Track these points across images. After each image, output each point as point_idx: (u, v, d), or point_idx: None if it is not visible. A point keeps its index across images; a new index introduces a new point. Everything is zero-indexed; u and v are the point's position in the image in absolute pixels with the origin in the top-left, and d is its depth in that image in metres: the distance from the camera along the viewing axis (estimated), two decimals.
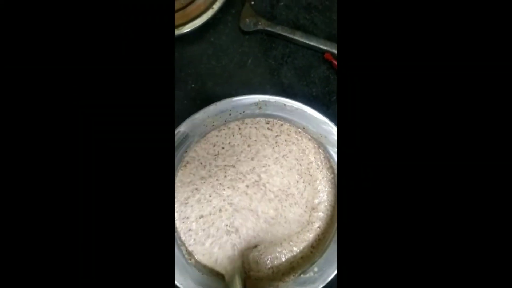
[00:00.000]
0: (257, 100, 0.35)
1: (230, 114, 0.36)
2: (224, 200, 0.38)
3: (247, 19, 0.41)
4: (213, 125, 0.37)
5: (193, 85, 0.41)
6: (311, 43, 0.41)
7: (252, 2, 0.42)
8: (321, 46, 0.41)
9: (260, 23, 0.41)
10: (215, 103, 0.34)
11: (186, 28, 0.40)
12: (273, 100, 0.35)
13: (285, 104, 0.36)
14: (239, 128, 0.38)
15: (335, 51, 0.41)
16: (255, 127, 0.38)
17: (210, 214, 0.38)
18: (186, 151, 0.37)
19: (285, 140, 0.39)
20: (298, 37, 0.41)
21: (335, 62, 0.42)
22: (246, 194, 0.38)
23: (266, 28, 0.41)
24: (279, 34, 0.41)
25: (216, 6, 0.40)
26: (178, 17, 0.40)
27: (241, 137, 0.38)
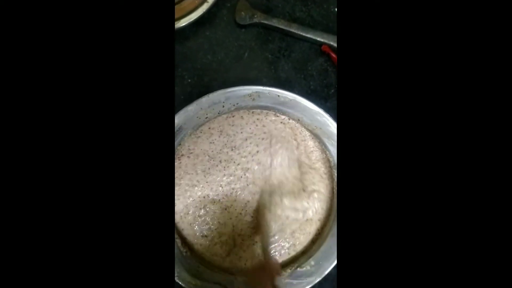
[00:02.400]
0: (251, 91, 0.35)
1: (223, 106, 0.36)
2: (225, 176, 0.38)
3: (242, 12, 0.41)
4: (206, 117, 0.36)
5: (189, 80, 0.41)
6: (308, 36, 0.41)
7: None
8: (318, 39, 0.41)
9: (256, 16, 0.41)
10: (207, 94, 0.34)
11: (182, 23, 0.40)
12: (267, 91, 0.35)
13: (278, 95, 0.35)
14: (234, 117, 0.38)
15: (332, 43, 0.41)
16: (251, 117, 0.38)
17: (205, 204, 0.37)
18: (180, 144, 0.37)
19: (275, 130, 0.39)
20: (295, 29, 0.41)
21: (333, 55, 0.41)
22: (246, 175, 0.38)
23: (262, 21, 0.41)
24: (276, 27, 0.41)
25: (211, 0, 0.40)
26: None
27: (236, 126, 0.38)
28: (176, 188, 0.37)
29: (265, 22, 0.41)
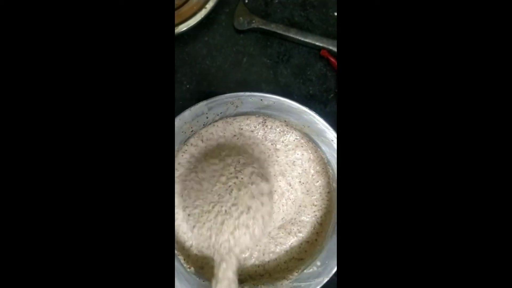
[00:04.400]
0: (232, 98, 0.35)
1: (207, 117, 0.36)
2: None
3: (241, 18, 0.41)
4: (192, 131, 0.36)
5: (188, 86, 0.41)
6: (307, 40, 0.41)
7: (246, 0, 0.42)
8: (317, 43, 0.41)
9: (254, 21, 0.41)
10: (189, 108, 0.34)
11: (180, 29, 0.40)
12: (248, 96, 0.35)
13: (261, 99, 0.35)
14: (216, 129, 0.38)
15: (331, 47, 0.40)
16: (237, 125, 0.38)
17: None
18: None
19: (264, 134, 0.39)
20: (294, 34, 0.41)
21: (332, 59, 0.41)
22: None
23: (261, 26, 0.41)
24: (274, 32, 0.41)
25: (209, 6, 0.40)
26: None
27: (225, 136, 0.38)
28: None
29: (264, 27, 0.40)
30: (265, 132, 0.39)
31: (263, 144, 0.39)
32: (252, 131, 0.39)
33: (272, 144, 0.39)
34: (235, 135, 0.38)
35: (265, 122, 0.38)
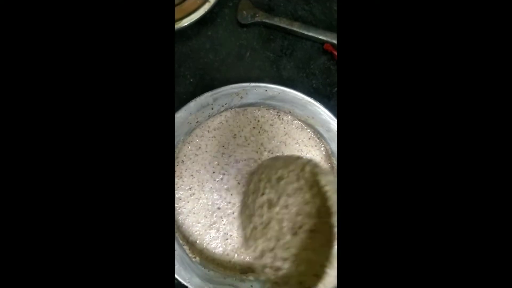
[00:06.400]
0: (237, 89, 0.35)
1: (212, 108, 0.36)
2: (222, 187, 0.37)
3: (244, 12, 0.41)
4: (197, 122, 0.36)
5: (191, 80, 0.41)
6: (310, 34, 0.41)
7: None
8: (321, 37, 0.41)
9: (257, 15, 0.41)
10: (194, 99, 0.34)
11: (184, 23, 0.39)
12: (253, 87, 0.35)
13: (266, 90, 0.35)
14: (224, 118, 0.38)
15: (335, 41, 0.41)
16: (243, 115, 0.38)
17: (209, 209, 0.37)
18: (174, 152, 0.37)
19: (271, 125, 0.39)
20: (297, 28, 0.41)
21: (336, 53, 0.41)
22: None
23: (264, 20, 0.41)
24: (278, 26, 0.41)
25: (213, 0, 0.40)
26: (176, 12, 0.40)
27: (229, 126, 0.38)
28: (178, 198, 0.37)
29: (267, 21, 0.40)
30: (268, 122, 0.39)
31: (270, 133, 0.39)
32: (259, 121, 0.38)
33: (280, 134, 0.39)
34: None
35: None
